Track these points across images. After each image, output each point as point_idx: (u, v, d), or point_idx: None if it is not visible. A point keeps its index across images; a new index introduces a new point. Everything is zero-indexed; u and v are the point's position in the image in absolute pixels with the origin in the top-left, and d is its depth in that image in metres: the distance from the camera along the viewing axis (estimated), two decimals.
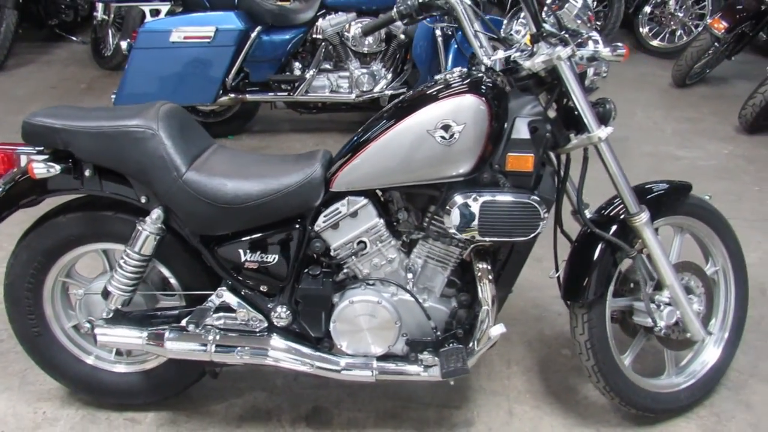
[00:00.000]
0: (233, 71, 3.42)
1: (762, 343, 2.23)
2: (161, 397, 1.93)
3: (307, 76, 3.60)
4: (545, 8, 1.63)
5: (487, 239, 1.60)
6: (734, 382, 2.06)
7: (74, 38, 5.59)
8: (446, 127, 1.53)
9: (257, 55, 3.52)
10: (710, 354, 1.96)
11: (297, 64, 3.66)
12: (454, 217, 1.57)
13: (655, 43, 5.33)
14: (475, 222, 1.57)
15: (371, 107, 3.71)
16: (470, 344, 1.68)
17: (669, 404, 1.89)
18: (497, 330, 1.63)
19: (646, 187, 1.83)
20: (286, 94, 3.64)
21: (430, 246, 1.69)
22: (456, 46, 3.66)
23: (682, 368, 1.96)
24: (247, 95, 3.57)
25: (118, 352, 1.93)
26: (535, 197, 1.57)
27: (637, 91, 4.64)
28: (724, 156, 3.66)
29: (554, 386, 2.05)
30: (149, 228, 1.64)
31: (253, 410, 1.96)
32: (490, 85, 1.60)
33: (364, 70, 3.65)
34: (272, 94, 3.64)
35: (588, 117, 1.60)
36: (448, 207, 1.58)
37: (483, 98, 1.53)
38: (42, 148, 1.65)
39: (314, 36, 3.61)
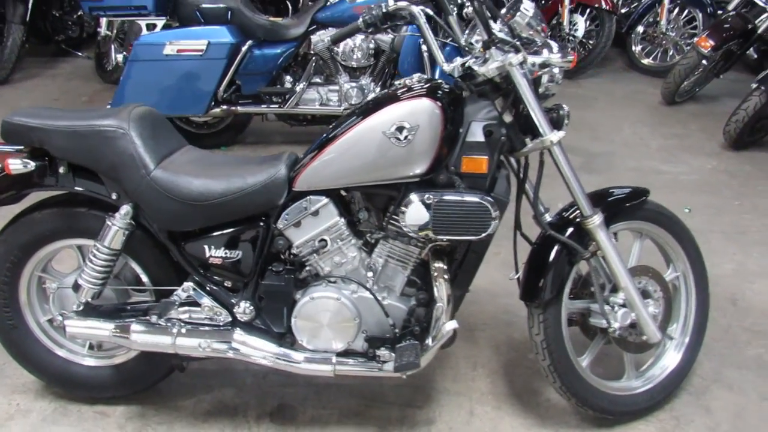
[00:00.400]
0: (224, 83, 3.52)
1: (728, 351, 2.25)
2: (131, 391, 1.98)
3: (298, 89, 3.70)
4: (499, 18, 1.69)
5: (442, 238, 1.66)
6: (696, 387, 2.08)
7: (79, 53, 5.75)
8: (400, 129, 1.60)
9: (249, 69, 3.62)
10: (670, 359, 1.99)
11: (288, 78, 3.76)
12: (409, 216, 1.63)
13: (646, 61, 5.40)
14: (429, 221, 1.62)
15: None
16: (426, 341, 1.73)
17: (627, 407, 1.91)
18: (450, 326, 1.68)
19: (604, 191, 1.88)
20: (277, 106, 3.73)
21: (390, 246, 1.74)
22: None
23: (642, 372, 1.99)
24: (238, 107, 3.67)
25: (91, 346, 1.99)
26: (487, 198, 1.63)
27: (627, 108, 4.70)
28: (707, 171, 3.70)
29: (517, 388, 2.08)
30: (118, 223, 1.72)
31: (220, 406, 2.01)
32: (447, 90, 1.67)
33: (353, 84, 3.73)
34: (264, 106, 3.73)
35: (540, 121, 1.66)
36: (403, 206, 1.64)
37: (436, 102, 1.60)
38: (21, 147, 1.74)
39: (305, 51, 3.71)
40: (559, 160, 1.71)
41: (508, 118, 1.70)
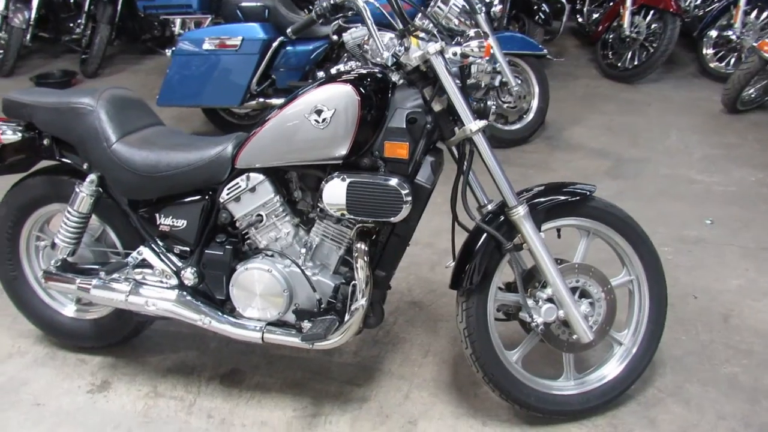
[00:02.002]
0: (257, 77, 3.75)
1: (699, 366, 2.12)
2: (106, 343, 2.22)
3: None
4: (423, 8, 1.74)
5: (356, 217, 1.73)
6: (648, 398, 1.99)
7: (161, 51, 6.29)
8: (319, 112, 1.69)
9: (284, 64, 3.83)
10: (613, 365, 1.93)
11: (320, 74, 3.92)
12: (326, 195, 1.72)
13: (714, 65, 5.05)
14: (343, 200, 1.70)
15: None
16: (344, 317, 1.81)
17: (557, 406, 1.87)
18: (357, 304, 1.75)
19: (544, 185, 1.86)
20: None
21: (325, 225, 1.84)
22: None
23: (582, 375, 1.93)
24: (273, 100, 3.89)
25: (78, 300, 2.24)
26: (400, 182, 1.67)
27: (682, 115, 4.43)
28: (748, 183, 3.42)
29: (461, 380, 2.09)
30: (85, 190, 1.94)
31: (181, 365, 2.19)
32: (378, 77, 1.74)
33: None
34: None
35: (461, 110, 1.69)
36: (322, 185, 1.73)
37: (354, 87, 1.68)
38: (17, 121, 2.01)
39: (337, 47, 3.86)
40: (481, 150, 1.72)
41: (437, 106, 1.74)
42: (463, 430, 1.90)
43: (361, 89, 1.68)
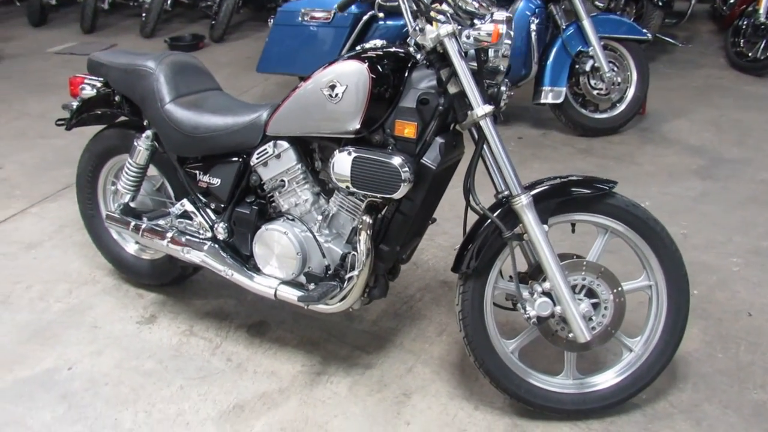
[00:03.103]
0: (346, 50, 3.87)
1: (725, 387, 1.95)
2: (159, 281, 2.49)
3: None
4: None
5: (359, 191, 1.79)
6: (657, 411, 1.88)
7: None
8: (333, 87, 1.76)
9: (375, 38, 3.90)
10: (616, 372, 1.84)
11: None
12: (333, 166, 1.80)
13: None
14: (348, 173, 1.77)
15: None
16: (344, 285, 1.89)
17: (548, 402, 1.84)
18: (352, 273, 1.82)
19: (560, 177, 1.79)
20: None
21: (342, 196, 1.93)
22: (561, 42, 3.61)
23: (583, 376, 1.87)
24: None
25: (137, 241, 2.53)
26: (402, 161, 1.71)
27: None
28: None
29: (467, 362, 2.09)
30: (142, 144, 2.19)
31: (219, 310, 2.41)
32: (395, 56, 1.77)
33: None
34: None
35: (471, 94, 1.68)
36: (332, 158, 1.81)
37: (367, 65, 1.72)
38: (99, 78, 2.30)
39: None
40: (487, 135, 1.70)
41: (453, 88, 1.73)
42: (454, 410, 1.92)
43: (375, 67, 1.73)
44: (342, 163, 1.78)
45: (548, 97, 3.63)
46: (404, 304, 2.41)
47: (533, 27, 3.49)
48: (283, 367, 2.12)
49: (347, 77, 1.74)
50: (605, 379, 1.85)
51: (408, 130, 1.74)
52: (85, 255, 2.76)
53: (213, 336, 2.28)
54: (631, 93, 3.77)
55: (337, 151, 1.81)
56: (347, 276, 1.87)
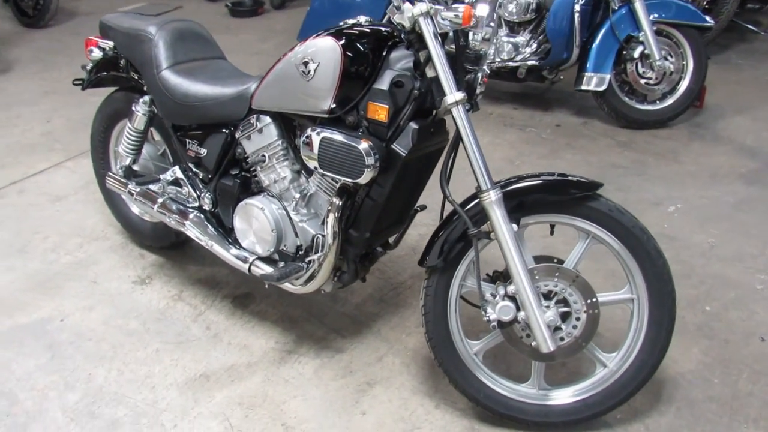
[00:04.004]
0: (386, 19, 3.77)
1: (713, 417, 1.79)
2: (159, 244, 2.55)
3: None
4: None
5: (327, 173, 1.73)
6: None
7: None
8: (306, 63, 1.70)
9: None
10: (585, 387, 1.72)
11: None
12: (303, 146, 1.75)
13: None
14: (316, 153, 1.72)
15: (507, 77, 3.69)
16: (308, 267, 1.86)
17: (509, 410, 1.74)
18: (314, 256, 1.78)
19: (539, 174, 1.66)
20: None
21: (320, 176, 1.88)
22: (609, 25, 3.36)
23: (551, 387, 1.76)
24: None
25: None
26: (364, 145, 1.63)
27: None
28: None
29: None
30: (139, 109, 2.21)
31: (210, 278, 2.45)
32: (373, 35, 1.69)
33: (509, 39, 3.61)
34: None
35: (444, 79, 1.57)
36: (303, 136, 1.76)
37: (339, 43, 1.65)
38: (107, 41, 2.34)
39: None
40: (458, 123, 1.59)
41: (431, 72, 1.64)
42: (414, 405, 1.87)
43: (351, 45, 1.65)
44: (311, 143, 1.73)
45: (591, 83, 3.41)
46: (392, 290, 2.36)
47: (577, 8, 3.26)
48: (257, 342, 2.13)
49: (320, 54, 1.68)
50: (572, 394, 1.73)
51: (380, 113, 1.66)
52: (102, 212, 2.86)
53: (199, 303, 2.32)
54: (684, 84, 3.47)
55: (309, 129, 1.75)
56: (310, 258, 1.83)
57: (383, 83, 1.66)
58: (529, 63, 3.56)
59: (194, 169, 2.18)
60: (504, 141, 3.51)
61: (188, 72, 2.12)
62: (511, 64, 3.60)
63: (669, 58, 3.41)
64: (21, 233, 2.77)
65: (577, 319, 1.66)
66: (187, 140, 2.14)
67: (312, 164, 1.76)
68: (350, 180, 1.70)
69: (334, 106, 1.69)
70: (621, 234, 1.64)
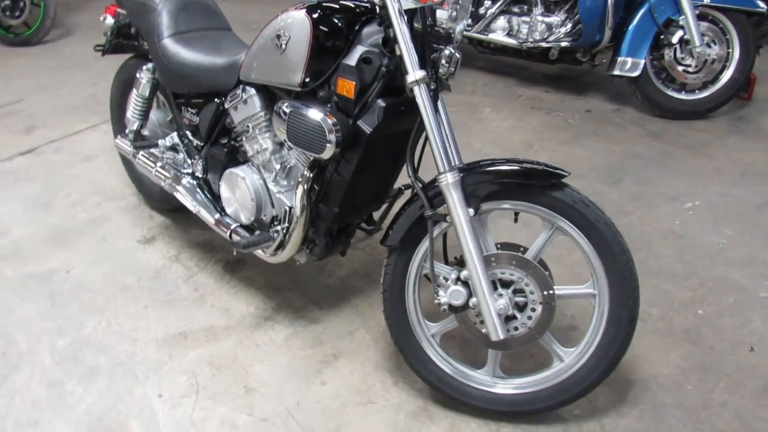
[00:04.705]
0: None
1: (676, 424, 1.71)
2: (166, 206, 2.67)
3: (487, 14, 3.64)
4: None
5: (295, 147, 1.76)
6: (584, 430, 1.70)
7: None
8: (278, 36, 1.72)
9: None
10: (538, 380, 1.69)
11: (488, 2, 3.71)
12: (275, 117, 1.78)
13: None
14: (285, 126, 1.74)
15: (539, 58, 3.57)
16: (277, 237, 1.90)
17: (459, 395, 1.73)
18: (279, 227, 1.82)
19: (504, 160, 1.62)
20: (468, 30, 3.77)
21: (290, 148, 1.91)
22: (648, 7, 3.18)
23: (506, 377, 1.74)
24: None
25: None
26: (329, 121, 1.64)
27: None
28: None
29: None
30: (143, 76, 2.31)
31: (208, 243, 2.54)
32: (347, 9, 1.68)
33: (545, 19, 3.48)
34: None
35: (406, 56, 1.55)
36: (276, 108, 1.79)
37: (310, 17, 1.65)
38: (121, 10, 2.43)
39: None
40: (419, 103, 1.57)
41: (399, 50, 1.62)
42: (373, 380, 1.89)
43: (322, 19, 1.65)
44: (280, 116, 1.76)
45: (624, 68, 3.25)
46: (379, 266, 2.34)
47: None
48: (238, 306, 2.20)
49: (291, 27, 1.69)
50: (525, 384, 1.70)
51: (348, 88, 1.66)
52: (123, 173, 3.01)
53: (193, 265, 2.41)
54: (728, 74, 3.25)
55: (280, 102, 1.78)
56: (276, 228, 1.87)
57: (352, 59, 1.65)
58: (562, 44, 3.43)
59: (190, 137, 2.25)
60: (527, 125, 3.42)
61: (187, 41, 2.18)
62: (543, 44, 3.48)
63: (712, 45, 3.19)
64: (48, 188, 2.96)
65: (533, 309, 1.63)
66: (184, 108, 2.21)
67: (282, 137, 1.78)
68: (315, 155, 1.71)
69: (306, 79, 1.70)
70: (584, 227, 1.58)
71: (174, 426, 1.75)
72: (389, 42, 1.62)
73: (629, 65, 3.23)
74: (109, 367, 1.96)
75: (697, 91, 3.31)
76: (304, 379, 1.90)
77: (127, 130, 2.52)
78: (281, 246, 1.90)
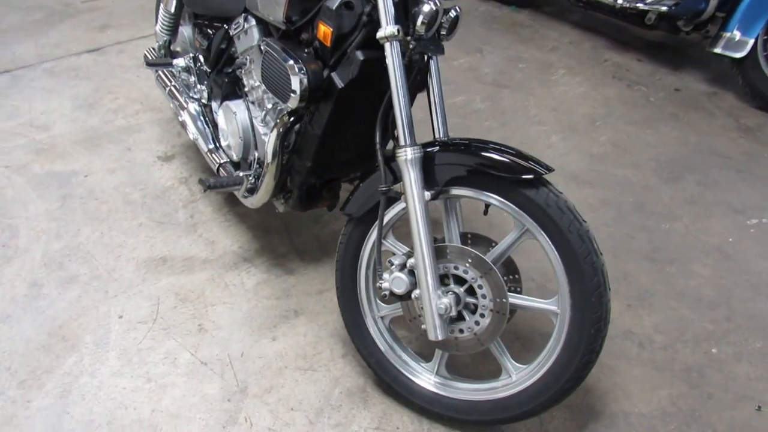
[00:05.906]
0: None
1: None
2: None
3: None
4: None
5: (268, 90, 1.63)
6: None
7: None
8: None
9: None
10: (479, 392, 1.52)
11: None
12: (255, 54, 1.65)
13: None
14: (260, 65, 1.62)
15: (634, 20, 3.11)
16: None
17: (395, 384, 1.61)
18: (245, 172, 1.73)
19: (479, 141, 1.40)
20: None
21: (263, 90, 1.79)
22: None
23: (450, 378, 1.59)
24: None
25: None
26: (297, 69, 1.48)
27: None
28: None
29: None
30: None
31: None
32: None
33: None
34: None
35: (382, 8, 1.35)
36: (257, 43, 1.66)
37: None
38: None
39: None
40: (388, 62, 1.37)
41: None
42: (323, 347, 1.81)
43: None
44: (257, 54, 1.63)
45: (726, 46, 2.75)
46: None
47: None
48: (224, 242, 2.17)
49: None
50: (467, 391, 1.55)
51: (325, 34, 1.49)
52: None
53: (197, 191, 2.40)
54: None
55: (260, 39, 1.64)
56: (245, 173, 1.78)
57: (334, 1, 1.47)
58: (661, 8, 2.95)
59: (201, 60, 2.18)
60: (600, 95, 3.03)
61: None
62: (640, 5, 3.02)
63: None
64: (99, 90, 3.05)
65: (482, 315, 1.45)
66: (198, 29, 2.12)
67: (257, 76, 1.66)
68: (281, 102, 1.58)
69: (288, 16, 1.55)
70: (554, 235, 1.35)
71: (121, 350, 1.78)
72: None
73: (735, 43, 2.73)
74: (86, 278, 2.01)
75: None
76: (258, 330, 1.86)
77: (157, 44, 2.49)
78: (253, 191, 1.82)
